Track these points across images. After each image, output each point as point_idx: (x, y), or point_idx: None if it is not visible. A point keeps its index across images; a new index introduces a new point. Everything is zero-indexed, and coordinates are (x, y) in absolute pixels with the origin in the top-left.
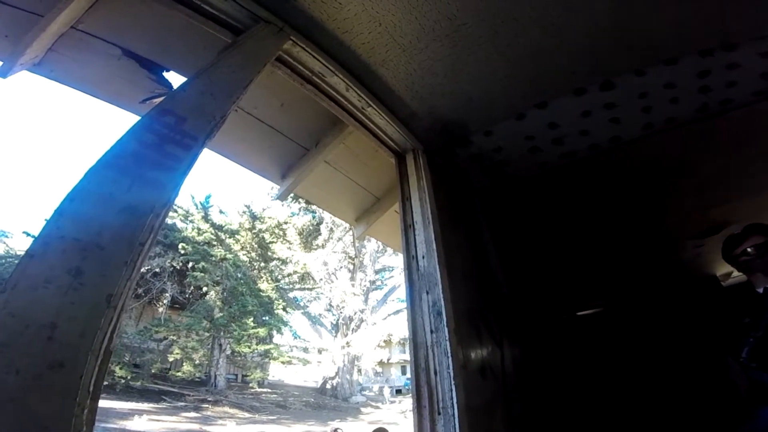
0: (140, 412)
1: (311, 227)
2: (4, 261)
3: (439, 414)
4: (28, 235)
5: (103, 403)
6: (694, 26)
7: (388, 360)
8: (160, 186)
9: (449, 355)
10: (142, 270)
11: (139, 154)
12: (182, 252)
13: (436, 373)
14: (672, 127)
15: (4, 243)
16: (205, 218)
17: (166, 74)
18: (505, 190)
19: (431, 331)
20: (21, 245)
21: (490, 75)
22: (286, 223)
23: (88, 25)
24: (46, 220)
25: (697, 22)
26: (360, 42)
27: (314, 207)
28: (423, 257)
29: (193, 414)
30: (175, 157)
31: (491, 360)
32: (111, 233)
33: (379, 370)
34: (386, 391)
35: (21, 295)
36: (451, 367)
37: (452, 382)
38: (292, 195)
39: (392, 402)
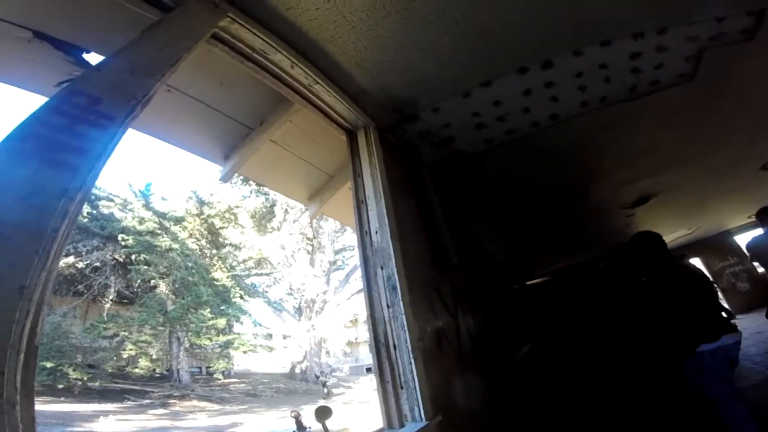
0: (105, 413)
1: (264, 209)
2: None
3: (402, 388)
4: None
5: (62, 407)
6: (630, 9)
7: (356, 339)
8: (73, 168)
9: (406, 329)
10: (80, 265)
11: (44, 137)
12: (123, 244)
13: (395, 347)
14: (605, 105)
15: None
16: (147, 206)
17: (87, 56)
18: (453, 165)
19: (387, 306)
20: None
21: (438, 53)
22: (237, 207)
23: None
24: None
25: (633, 6)
26: (306, 18)
27: (268, 189)
28: (376, 232)
29: (160, 411)
30: (88, 138)
31: (447, 331)
32: (15, 221)
33: (348, 350)
34: (357, 371)
35: None
36: (408, 340)
37: (411, 356)
38: (241, 177)
39: (359, 382)
